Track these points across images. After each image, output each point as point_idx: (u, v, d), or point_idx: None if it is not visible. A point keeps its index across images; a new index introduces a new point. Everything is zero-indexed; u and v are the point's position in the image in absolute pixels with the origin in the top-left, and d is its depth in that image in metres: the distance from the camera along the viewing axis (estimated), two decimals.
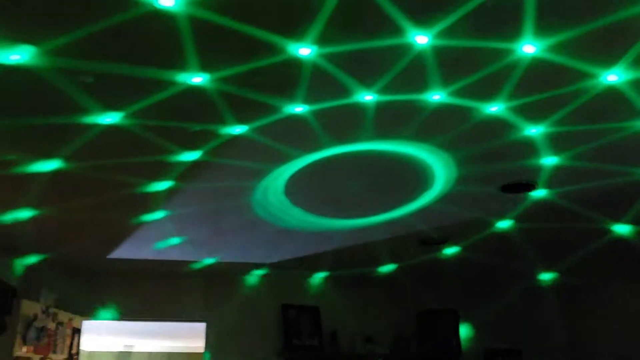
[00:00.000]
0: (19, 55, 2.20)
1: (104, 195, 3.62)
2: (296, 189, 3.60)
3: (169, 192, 3.59)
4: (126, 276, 5.38)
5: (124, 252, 4.76)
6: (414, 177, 3.46)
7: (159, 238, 4.46)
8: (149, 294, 5.47)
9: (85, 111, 2.62)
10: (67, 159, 3.07)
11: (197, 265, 5.20)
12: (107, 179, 3.38)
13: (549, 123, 2.84)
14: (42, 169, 3.19)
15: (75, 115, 2.66)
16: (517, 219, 4.00)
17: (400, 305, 5.78)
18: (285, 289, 5.63)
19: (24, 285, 4.87)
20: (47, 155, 3.05)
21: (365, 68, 2.42)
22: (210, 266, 5.20)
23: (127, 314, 5.54)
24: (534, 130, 2.91)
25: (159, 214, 3.95)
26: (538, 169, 3.30)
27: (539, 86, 2.55)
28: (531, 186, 3.49)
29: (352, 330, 5.58)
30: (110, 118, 2.71)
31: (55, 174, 3.22)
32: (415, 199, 3.73)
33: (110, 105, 2.62)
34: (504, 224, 4.11)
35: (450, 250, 4.67)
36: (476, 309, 5.82)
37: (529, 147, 3.07)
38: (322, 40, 2.20)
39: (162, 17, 2.04)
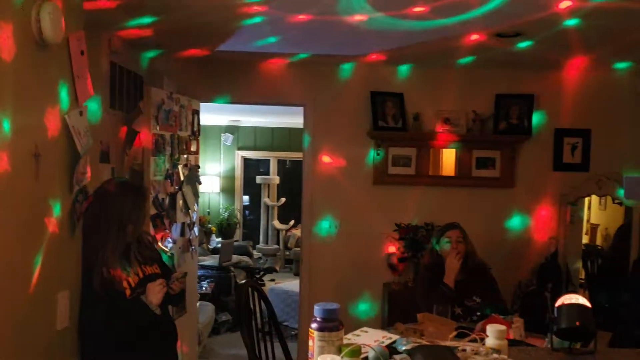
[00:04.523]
0: None
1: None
2: None
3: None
4: (234, 66, 6.17)
5: (230, 46, 5.42)
6: None
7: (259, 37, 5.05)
8: (255, 81, 6.28)
9: None
10: None
11: (295, 58, 5.83)
12: None
13: None
14: None
15: None
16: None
17: (478, 90, 6.20)
18: (373, 78, 6.18)
19: (150, 75, 5.75)
20: None
21: None
22: (307, 58, 5.81)
23: (236, 97, 6.43)
24: None
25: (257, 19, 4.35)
26: None
27: None
28: None
29: (432, 113, 6.17)
30: None
31: None
32: None
33: None
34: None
35: (524, 44, 4.96)
36: (550, 93, 6.18)
37: None
38: None
39: None
